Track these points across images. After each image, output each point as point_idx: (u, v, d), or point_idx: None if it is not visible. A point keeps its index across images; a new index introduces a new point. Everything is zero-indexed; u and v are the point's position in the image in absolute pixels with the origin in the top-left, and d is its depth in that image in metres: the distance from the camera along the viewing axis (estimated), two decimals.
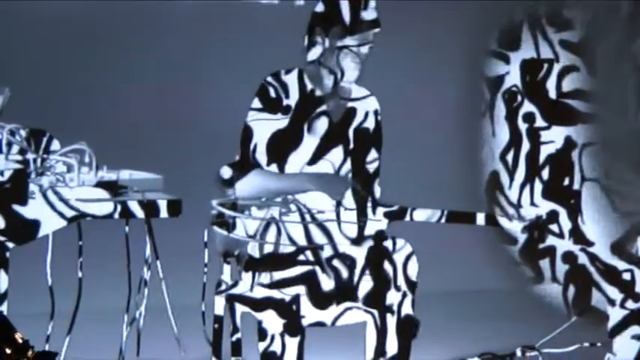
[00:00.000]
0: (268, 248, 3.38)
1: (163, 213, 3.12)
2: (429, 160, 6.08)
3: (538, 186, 6.56)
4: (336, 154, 3.51)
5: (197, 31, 5.86)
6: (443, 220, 3.59)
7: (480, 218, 3.66)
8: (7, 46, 5.47)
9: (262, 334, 3.23)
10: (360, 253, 3.35)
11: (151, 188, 3.14)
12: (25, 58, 5.50)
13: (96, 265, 3.37)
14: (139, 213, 3.07)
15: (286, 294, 3.22)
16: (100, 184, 3.03)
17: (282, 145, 3.46)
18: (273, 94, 3.48)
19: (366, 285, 3.31)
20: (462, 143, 6.49)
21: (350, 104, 3.56)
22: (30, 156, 3.09)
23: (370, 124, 3.59)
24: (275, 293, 3.22)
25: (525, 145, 6.58)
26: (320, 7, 3.49)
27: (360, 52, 3.46)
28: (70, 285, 3.13)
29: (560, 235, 6.36)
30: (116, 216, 3.07)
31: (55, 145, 3.39)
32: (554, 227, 6.17)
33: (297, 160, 3.46)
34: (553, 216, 6.40)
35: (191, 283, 3.33)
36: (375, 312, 3.32)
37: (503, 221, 3.63)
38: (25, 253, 2.98)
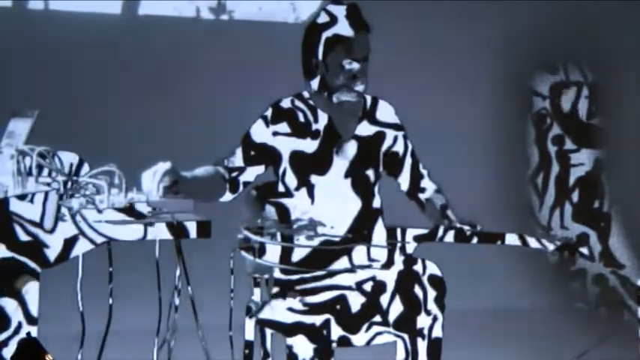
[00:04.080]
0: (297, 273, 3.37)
1: (193, 234, 3.09)
2: (462, 175, 6.06)
3: (568, 209, 6.54)
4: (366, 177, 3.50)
5: (221, 52, 5.89)
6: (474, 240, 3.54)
7: (510, 238, 3.60)
8: (36, 70, 5.52)
9: (292, 359, 3.20)
10: (390, 277, 3.33)
11: (180, 210, 3.12)
12: (55, 81, 5.53)
13: (126, 287, 3.36)
14: (168, 235, 3.05)
15: (317, 319, 3.20)
16: (130, 207, 3.01)
17: (311, 170, 3.45)
18: (302, 118, 3.47)
19: (396, 309, 3.28)
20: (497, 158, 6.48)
21: (379, 128, 3.55)
22: (60, 178, 3.08)
23: (400, 147, 3.58)
24: (305, 318, 3.20)
25: (555, 168, 6.57)
26: (323, 18, 3.43)
27: (356, 68, 3.40)
28: (100, 305, 3.11)
29: (591, 258, 6.32)
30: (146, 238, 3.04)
31: (85, 167, 3.38)
32: (584, 250, 6.14)
33: (327, 184, 3.45)
34: (583, 239, 6.38)
35: (222, 303, 3.32)
36: (406, 336, 3.29)
37: (533, 242, 3.58)
38: (56, 275, 2.98)
